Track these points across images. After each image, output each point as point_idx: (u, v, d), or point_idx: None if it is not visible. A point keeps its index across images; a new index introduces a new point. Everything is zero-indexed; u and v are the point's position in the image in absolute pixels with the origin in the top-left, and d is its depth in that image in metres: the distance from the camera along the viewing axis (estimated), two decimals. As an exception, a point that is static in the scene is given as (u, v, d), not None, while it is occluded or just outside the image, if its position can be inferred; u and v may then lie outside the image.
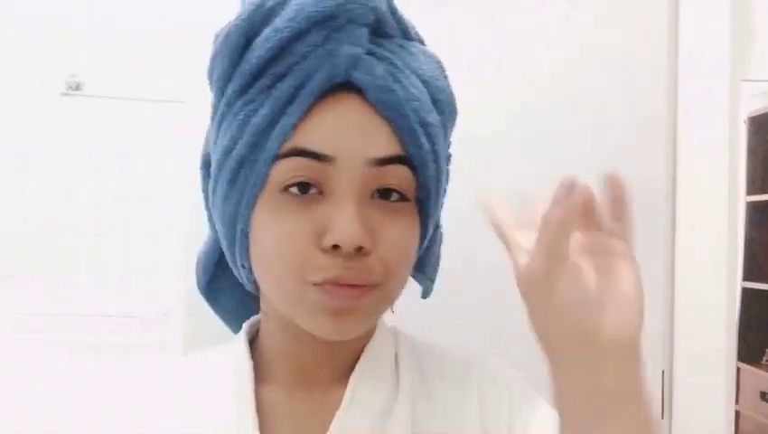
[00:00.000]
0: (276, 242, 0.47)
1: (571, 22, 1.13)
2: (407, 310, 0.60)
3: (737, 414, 1.92)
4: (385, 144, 0.47)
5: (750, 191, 2.29)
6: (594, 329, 0.36)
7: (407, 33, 0.53)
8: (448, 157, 0.57)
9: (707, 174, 1.16)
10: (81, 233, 1.38)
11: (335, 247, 0.45)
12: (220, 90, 0.51)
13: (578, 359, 0.37)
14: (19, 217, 1.38)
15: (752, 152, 2.29)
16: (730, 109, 1.16)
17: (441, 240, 0.59)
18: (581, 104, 1.12)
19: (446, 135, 0.53)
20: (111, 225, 1.39)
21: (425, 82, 0.50)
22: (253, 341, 0.57)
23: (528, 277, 0.38)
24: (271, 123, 0.48)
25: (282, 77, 0.48)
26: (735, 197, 1.18)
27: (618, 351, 0.36)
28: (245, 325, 0.57)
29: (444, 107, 0.52)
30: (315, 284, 0.46)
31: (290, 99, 0.47)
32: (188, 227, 1.09)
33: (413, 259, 0.50)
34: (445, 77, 0.53)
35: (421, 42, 0.55)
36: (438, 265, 0.59)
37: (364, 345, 0.55)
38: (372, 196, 0.47)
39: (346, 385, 0.52)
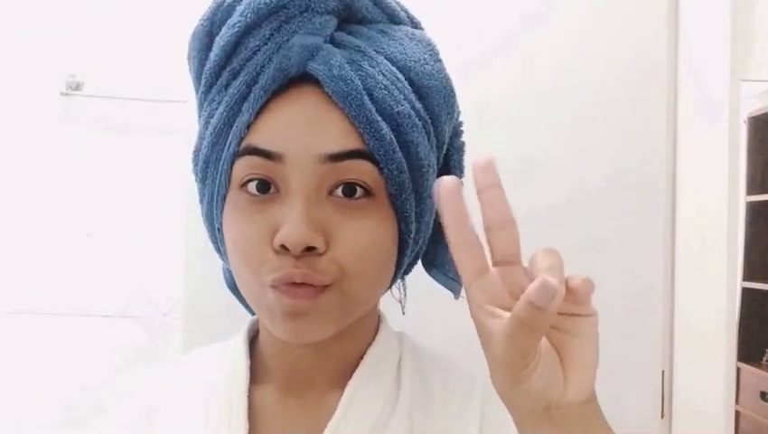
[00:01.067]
0: (236, 242, 0.46)
1: (570, 21, 1.13)
2: (413, 313, 0.59)
3: (737, 414, 1.92)
4: (339, 138, 0.44)
5: (750, 191, 2.29)
6: (555, 397, 0.35)
7: (394, 17, 0.51)
8: (459, 147, 0.54)
9: (707, 174, 1.16)
10: (81, 232, 1.38)
11: (284, 247, 0.43)
12: (195, 91, 0.51)
13: (542, 421, 0.36)
14: (18, 215, 1.38)
15: (752, 152, 2.29)
16: (730, 109, 1.16)
17: None
18: (580, 105, 1.12)
19: (437, 122, 0.50)
20: (111, 225, 1.39)
21: (404, 68, 0.47)
22: (255, 339, 0.55)
23: (496, 366, 0.36)
24: (228, 122, 0.46)
25: (236, 74, 0.47)
26: (735, 197, 1.18)
27: (579, 407, 0.36)
28: (247, 324, 0.56)
29: (433, 93, 0.48)
30: (272, 286, 0.45)
31: (244, 97, 0.46)
32: (188, 227, 1.09)
33: (382, 258, 0.47)
34: (437, 61, 0.50)
35: (415, 25, 0.53)
36: None
37: (365, 350, 0.52)
38: (332, 193, 0.45)
39: (343, 391, 0.50)
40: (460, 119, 0.56)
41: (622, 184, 1.13)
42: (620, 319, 1.12)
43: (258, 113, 0.46)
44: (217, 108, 0.48)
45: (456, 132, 0.55)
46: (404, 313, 0.57)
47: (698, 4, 1.17)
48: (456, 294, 0.54)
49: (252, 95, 0.46)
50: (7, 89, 1.37)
